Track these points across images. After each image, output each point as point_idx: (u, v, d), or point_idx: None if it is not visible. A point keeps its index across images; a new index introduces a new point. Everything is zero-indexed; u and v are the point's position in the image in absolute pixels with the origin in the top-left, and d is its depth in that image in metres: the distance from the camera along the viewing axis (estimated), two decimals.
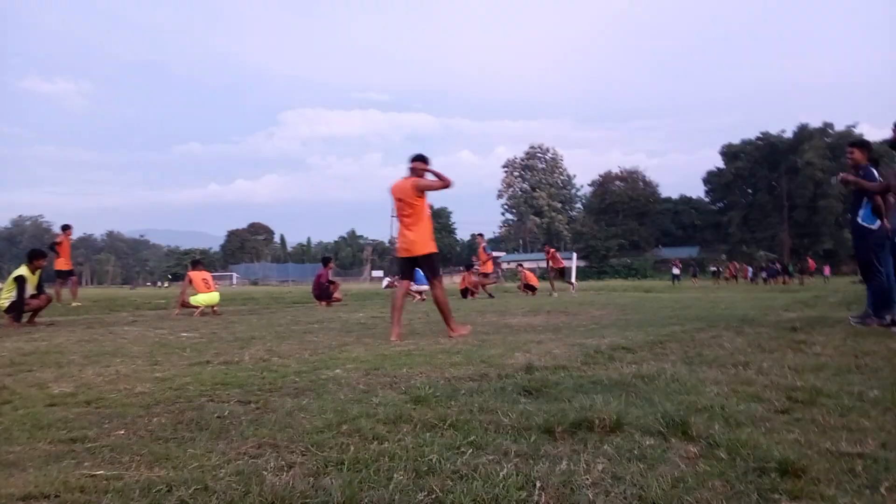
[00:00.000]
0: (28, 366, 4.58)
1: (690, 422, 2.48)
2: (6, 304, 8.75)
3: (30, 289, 8.90)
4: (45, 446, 2.44)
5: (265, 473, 2.00)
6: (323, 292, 13.61)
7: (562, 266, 21.16)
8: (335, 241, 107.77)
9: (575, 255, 28.18)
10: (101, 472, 2.08)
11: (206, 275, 11.15)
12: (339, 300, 13.76)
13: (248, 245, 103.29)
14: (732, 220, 75.59)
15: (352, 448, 2.29)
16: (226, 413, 2.94)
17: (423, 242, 6.28)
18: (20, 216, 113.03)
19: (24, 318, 8.78)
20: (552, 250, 20.50)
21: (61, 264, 14.09)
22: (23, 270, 8.92)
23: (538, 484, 1.89)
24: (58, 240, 14.27)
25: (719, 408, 2.80)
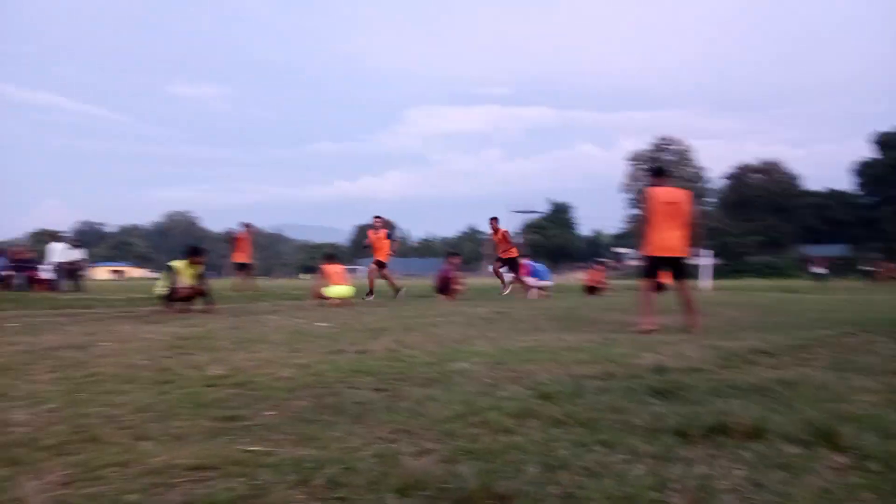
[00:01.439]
0: (185, 349, 5.05)
1: (839, 431, 2.33)
2: (163, 292, 9.67)
3: (185, 280, 9.76)
4: (205, 423, 2.70)
5: (403, 457, 2.12)
6: (445, 286, 13.88)
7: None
8: (455, 237, 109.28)
9: (706, 252, 26.73)
10: (257, 448, 2.28)
11: (340, 268, 11.74)
12: (459, 292, 13.97)
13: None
14: (887, 215, 68.60)
15: (482, 438, 2.36)
16: (362, 399, 3.12)
17: (686, 246, 6.88)
18: (172, 212, 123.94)
19: (179, 306, 9.66)
20: None
21: (240, 257, 15.47)
22: (177, 263, 9.81)
23: (673, 486, 1.86)
24: (236, 235, 15.67)
25: (872, 418, 2.60)
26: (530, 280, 16.53)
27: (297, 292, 16.71)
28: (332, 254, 12.87)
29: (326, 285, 11.36)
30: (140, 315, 8.71)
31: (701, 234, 7.41)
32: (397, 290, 13.55)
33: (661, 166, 7.72)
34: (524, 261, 17.64)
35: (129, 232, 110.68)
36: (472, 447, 2.25)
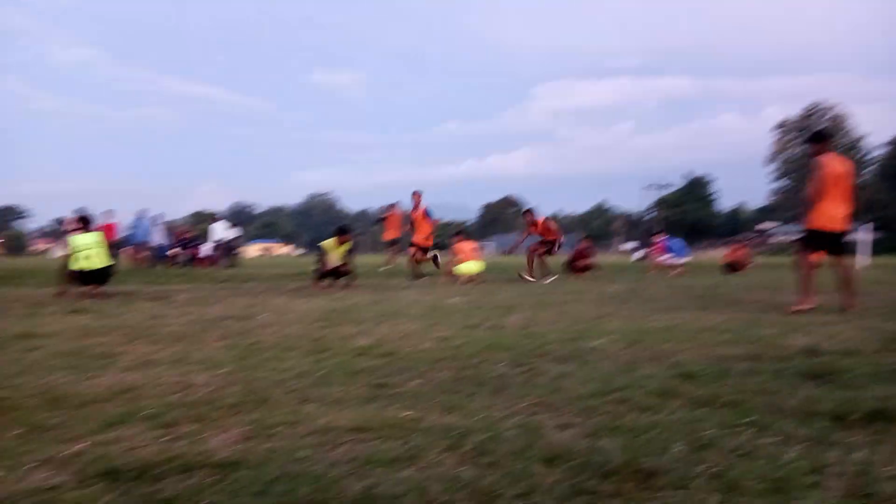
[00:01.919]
0: (334, 321, 5.42)
1: None
2: (314, 268, 10.38)
3: (333, 258, 10.32)
4: (359, 389, 2.92)
5: (545, 430, 2.20)
6: (577, 264, 13.72)
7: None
8: (584, 213, 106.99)
9: (865, 226, 24.31)
10: (408, 413, 2.45)
11: (471, 244, 11.95)
12: (589, 269, 13.74)
13: (501, 217, 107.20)
14: None
15: (624, 416, 2.38)
16: (499, 373, 3.23)
17: (849, 221, 6.54)
18: (312, 193, 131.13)
19: (326, 282, 10.30)
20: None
21: (389, 234, 16.41)
22: (327, 242, 10.43)
23: (830, 470, 1.80)
24: (385, 214, 16.62)
25: None
26: (665, 257, 15.93)
27: (428, 270, 17.22)
28: (463, 230, 13.10)
29: (458, 262, 11.61)
30: (290, 289, 9.39)
31: (859, 207, 6.79)
32: (418, 276, 12.59)
33: (824, 131, 7.06)
34: (658, 237, 17.00)
35: (276, 212, 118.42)
36: (614, 424, 2.28)
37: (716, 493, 1.68)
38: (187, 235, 20.94)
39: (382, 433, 2.22)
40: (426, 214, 13.58)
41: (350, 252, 10.44)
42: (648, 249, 22.21)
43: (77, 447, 2.08)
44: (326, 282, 10.26)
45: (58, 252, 20.69)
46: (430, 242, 13.46)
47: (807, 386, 2.84)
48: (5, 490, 1.72)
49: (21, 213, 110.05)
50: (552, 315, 5.85)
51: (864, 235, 21.67)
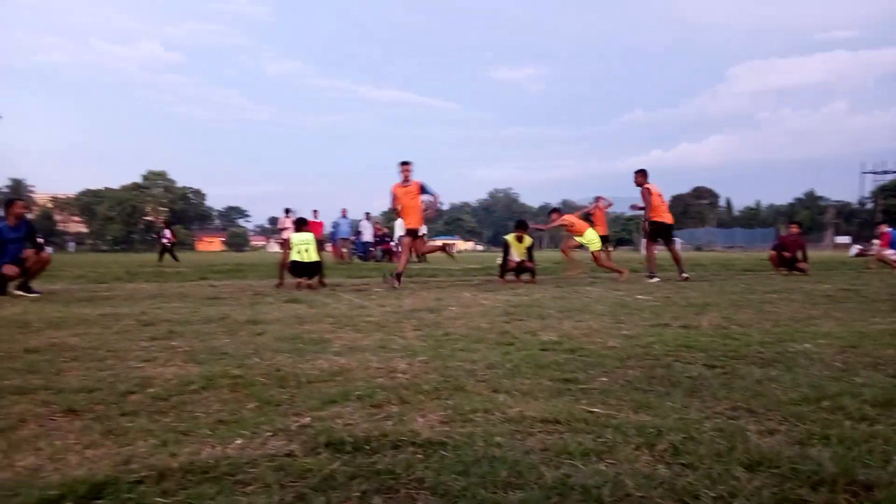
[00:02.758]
0: (518, 315, 5.54)
1: None
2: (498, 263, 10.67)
3: (516, 254, 10.55)
4: (546, 382, 2.99)
5: (748, 434, 2.11)
6: (783, 259, 12.54)
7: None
8: (789, 203, 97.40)
9: None
10: (597, 409, 2.47)
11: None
12: (803, 270, 12.41)
13: (691, 210, 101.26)
14: None
15: (838, 424, 2.21)
16: (694, 374, 3.12)
17: None
18: (494, 189, 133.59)
19: (508, 277, 10.51)
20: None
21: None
22: (509, 237, 10.65)
23: None
24: (590, 210, 16.83)
25: None
26: (888, 252, 14.06)
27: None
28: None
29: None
30: (475, 284, 9.72)
31: None
32: (416, 259, 12.24)
33: None
34: (884, 228, 15.03)
35: (460, 209, 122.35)
36: (825, 432, 2.12)
37: None
38: (381, 232, 22.44)
39: (573, 426, 2.27)
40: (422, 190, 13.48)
41: (531, 247, 10.53)
42: (868, 243, 19.75)
43: (303, 420, 2.38)
44: (508, 277, 10.47)
45: (273, 248, 23.16)
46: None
47: None
48: (249, 454, 2.03)
49: (243, 212, 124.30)
50: (752, 315, 5.48)
51: None
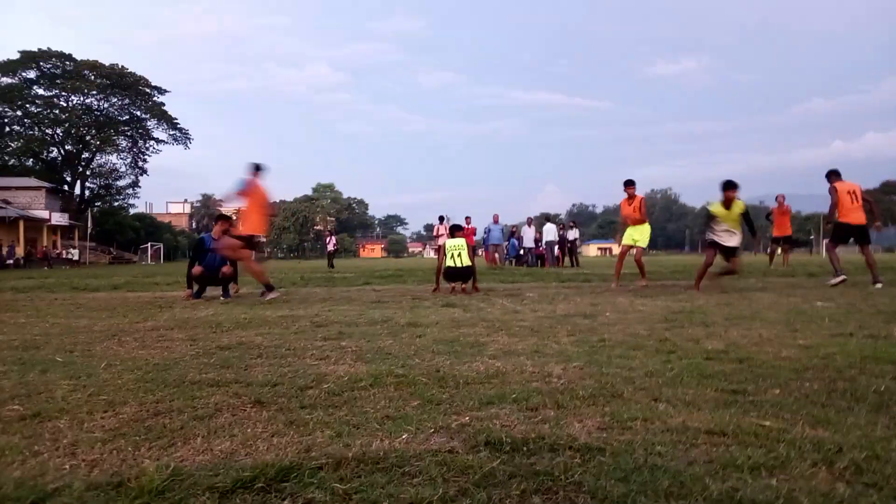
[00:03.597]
0: (679, 322, 5.31)
1: None
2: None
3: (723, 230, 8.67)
4: (711, 393, 2.86)
5: None
6: None
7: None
8: None
9: None
10: (769, 423, 2.33)
11: None
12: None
13: (881, 206, 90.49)
14: None
15: None
16: (881, 388, 2.83)
17: None
18: (652, 189, 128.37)
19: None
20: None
21: (779, 231, 15.87)
22: (715, 206, 9.40)
23: None
24: (772, 209, 16.17)
25: None
26: None
27: (786, 269, 15.49)
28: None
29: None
30: (631, 289, 9.42)
31: None
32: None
33: None
34: None
35: (615, 211, 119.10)
36: None
37: None
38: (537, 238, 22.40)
39: (741, 439, 2.17)
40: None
41: (745, 213, 8.70)
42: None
43: (462, 419, 2.49)
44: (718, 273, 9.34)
45: (430, 254, 24.01)
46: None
47: None
48: (415, 448, 2.16)
49: (401, 220, 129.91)
50: None
51: None
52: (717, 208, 8.65)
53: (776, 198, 16.04)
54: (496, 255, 20.28)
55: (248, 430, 2.40)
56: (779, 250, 16.28)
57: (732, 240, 8.63)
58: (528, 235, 21.56)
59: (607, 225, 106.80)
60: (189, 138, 64.94)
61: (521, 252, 21.74)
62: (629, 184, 10.29)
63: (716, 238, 8.68)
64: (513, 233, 23.88)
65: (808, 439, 2.11)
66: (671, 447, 2.11)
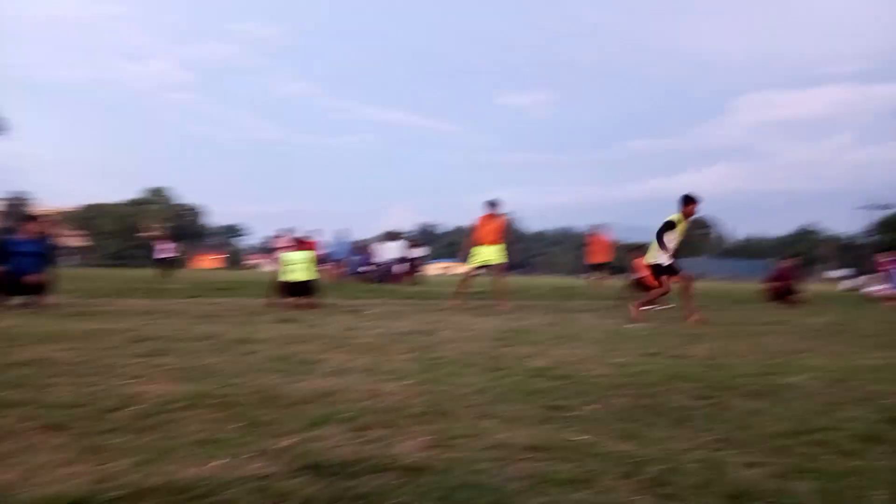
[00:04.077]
0: (511, 341, 5.53)
1: None
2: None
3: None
4: (535, 409, 2.98)
5: (730, 466, 2.10)
6: (780, 291, 12.55)
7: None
8: (787, 235, 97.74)
9: None
10: (583, 437, 2.47)
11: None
12: (797, 302, 12.40)
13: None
14: None
15: (820, 458, 2.20)
16: (681, 404, 3.11)
17: None
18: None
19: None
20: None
21: (594, 258, 16.91)
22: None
23: None
24: (590, 237, 17.22)
25: None
26: (880, 289, 14.12)
27: (606, 291, 16.80)
28: (641, 247, 12.67)
29: (642, 280, 11.23)
30: (469, 308, 9.70)
31: None
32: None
33: None
34: (885, 258, 15.09)
35: (460, 232, 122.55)
36: (808, 466, 2.12)
37: None
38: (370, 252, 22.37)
39: (558, 454, 2.26)
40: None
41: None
42: (863, 277, 19.85)
43: (286, 442, 2.37)
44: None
45: (268, 267, 23.20)
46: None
47: None
48: (228, 475, 2.02)
49: (240, 231, 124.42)
50: (744, 346, 5.47)
51: None
52: (680, 222, 8.38)
53: (597, 227, 17.34)
54: (341, 271, 20.03)
55: (37, 459, 2.11)
56: (599, 275, 17.56)
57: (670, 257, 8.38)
58: (376, 252, 21.53)
59: (453, 244, 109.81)
60: (5, 127, 57.69)
61: (367, 268, 21.66)
62: (492, 204, 10.38)
63: (665, 256, 8.32)
64: (359, 248, 23.72)
65: (616, 453, 2.25)
66: (493, 464, 2.15)
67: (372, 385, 3.43)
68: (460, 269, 11.01)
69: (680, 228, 8.40)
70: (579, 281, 19.20)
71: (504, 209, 10.54)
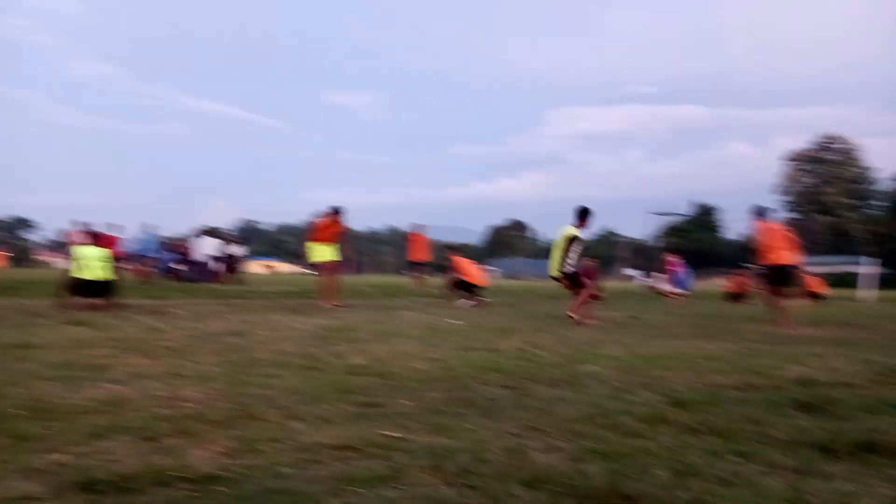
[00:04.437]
0: (330, 339, 5.40)
1: None
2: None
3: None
4: (348, 407, 2.91)
5: (531, 452, 2.18)
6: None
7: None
8: (592, 239, 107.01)
9: (870, 260, 24.18)
10: (394, 433, 2.44)
11: (469, 261, 12.01)
12: (598, 297, 13.57)
13: (507, 241, 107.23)
14: None
15: (611, 440, 2.37)
16: (491, 395, 3.21)
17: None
18: (321, 211, 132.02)
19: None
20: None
21: (414, 256, 16.87)
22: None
23: (811, 500, 1.78)
24: (410, 235, 17.11)
25: None
26: (668, 285, 15.92)
27: (428, 289, 17.19)
28: (458, 246, 13.15)
29: (460, 277, 11.62)
30: (290, 307, 9.39)
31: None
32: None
33: None
34: (672, 258, 17.00)
35: (284, 230, 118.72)
36: (600, 448, 2.27)
37: None
38: (184, 249, 20.97)
39: (366, 452, 2.21)
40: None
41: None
42: (651, 275, 22.25)
43: (59, 458, 2.08)
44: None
45: (61, 263, 20.77)
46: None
47: (796, 416, 2.81)
48: None
49: (30, 224, 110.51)
50: (550, 339, 5.82)
51: (868, 269, 21.62)
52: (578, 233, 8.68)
53: (417, 226, 17.64)
54: (146, 268, 18.44)
55: None
56: (420, 273, 17.87)
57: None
58: (192, 248, 20.12)
59: (276, 243, 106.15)
60: None
61: (180, 266, 20.16)
62: (336, 211, 10.72)
63: (571, 266, 8.55)
64: (172, 245, 22.02)
65: (425, 447, 2.25)
66: (297, 467, 2.05)
67: (170, 391, 3.14)
68: (283, 267, 10.72)
69: (581, 239, 8.85)
70: (404, 279, 19.41)
71: (346, 217, 10.68)
